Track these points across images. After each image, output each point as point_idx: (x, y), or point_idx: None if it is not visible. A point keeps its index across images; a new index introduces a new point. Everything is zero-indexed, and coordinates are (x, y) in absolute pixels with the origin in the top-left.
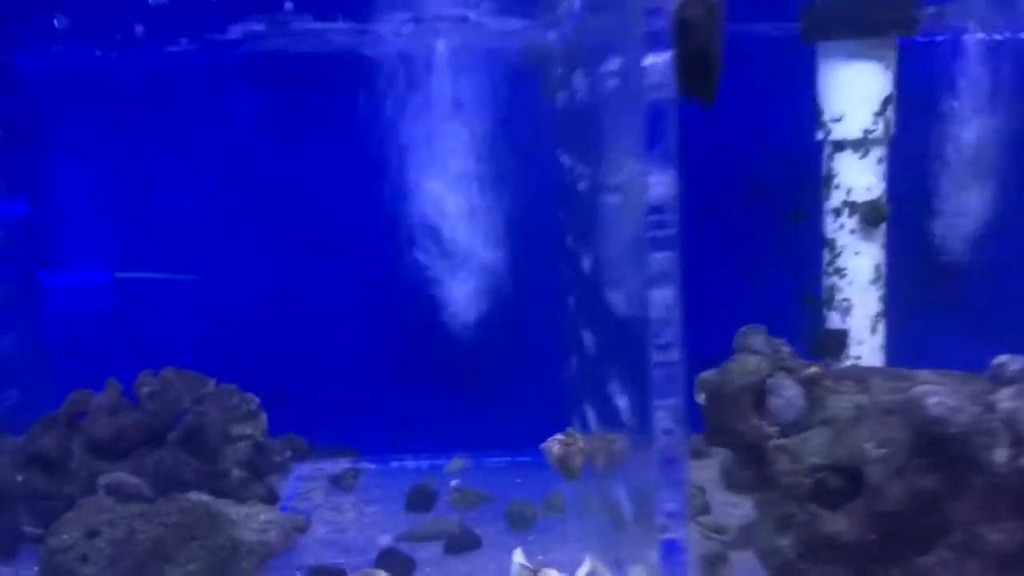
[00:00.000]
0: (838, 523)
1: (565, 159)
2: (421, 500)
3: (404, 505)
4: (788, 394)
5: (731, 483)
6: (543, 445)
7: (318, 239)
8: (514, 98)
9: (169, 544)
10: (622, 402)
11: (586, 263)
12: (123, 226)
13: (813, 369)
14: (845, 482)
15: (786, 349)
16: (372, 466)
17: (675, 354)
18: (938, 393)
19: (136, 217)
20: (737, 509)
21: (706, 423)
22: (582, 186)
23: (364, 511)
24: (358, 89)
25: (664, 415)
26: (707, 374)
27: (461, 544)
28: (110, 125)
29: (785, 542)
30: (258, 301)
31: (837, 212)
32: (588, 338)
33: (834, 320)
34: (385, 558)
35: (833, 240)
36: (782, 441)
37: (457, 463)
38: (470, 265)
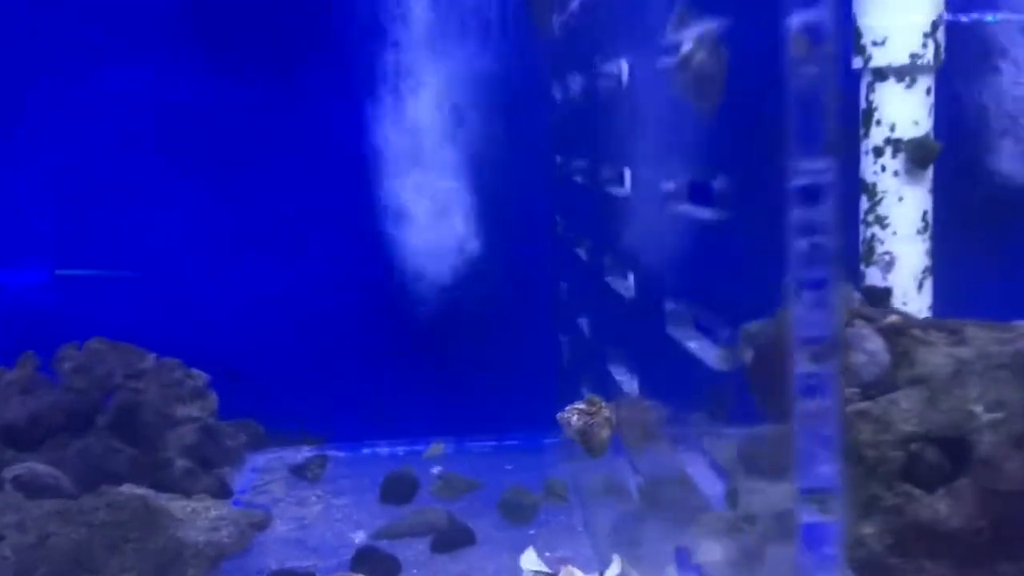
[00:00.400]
0: (938, 507)
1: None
2: (399, 490)
3: (379, 496)
4: (871, 347)
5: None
6: (559, 415)
7: (281, 211)
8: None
9: (95, 549)
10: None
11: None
12: (61, 218)
13: (895, 317)
14: (946, 455)
15: (856, 295)
16: (341, 454)
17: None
18: None
19: (74, 205)
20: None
21: (754, 387)
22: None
23: (333, 504)
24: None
25: None
26: (756, 324)
27: (451, 540)
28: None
29: (869, 531)
30: (213, 279)
31: (878, 152)
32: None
33: (873, 277)
34: (363, 559)
35: (873, 185)
36: (863, 405)
37: (437, 448)
38: (452, 233)
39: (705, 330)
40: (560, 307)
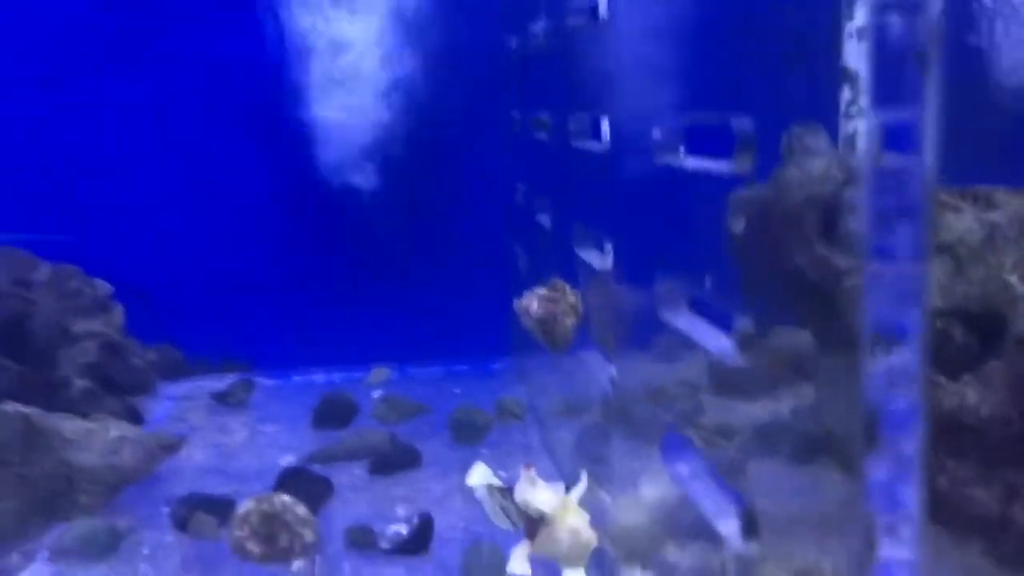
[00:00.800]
0: (964, 394)
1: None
2: (335, 414)
3: (312, 421)
4: None
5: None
6: (517, 302)
7: (201, 120)
8: None
9: None
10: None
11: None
12: None
13: None
14: (975, 334)
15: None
16: (270, 382)
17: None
18: None
19: None
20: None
21: (742, 261)
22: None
23: (259, 431)
24: None
25: None
26: (748, 190)
27: (393, 462)
28: None
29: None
30: (126, 191)
31: (863, 34)
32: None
33: None
34: (289, 479)
35: (856, 72)
36: None
37: (380, 373)
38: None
39: None
40: (513, 212)
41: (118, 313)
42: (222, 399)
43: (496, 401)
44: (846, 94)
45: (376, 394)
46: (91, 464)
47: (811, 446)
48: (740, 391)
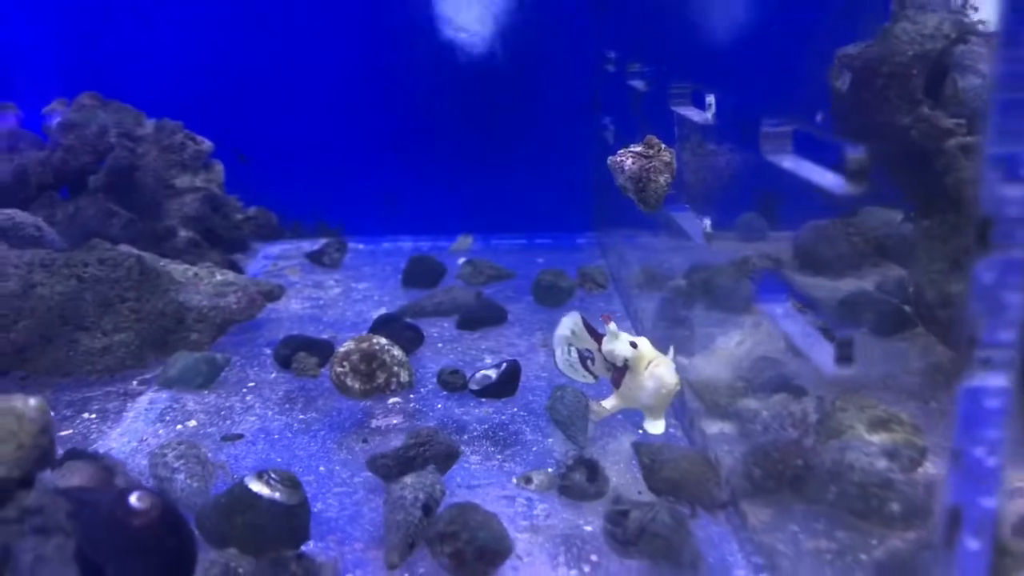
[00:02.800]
0: None
1: None
2: (424, 274)
3: (402, 281)
4: (987, 69)
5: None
6: (611, 159)
7: None
8: None
9: (85, 305)
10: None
11: None
12: None
13: None
14: None
15: (975, 15)
16: (360, 246)
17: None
18: None
19: None
20: (824, 282)
21: (844, 121)
22: None
23: (352, 287)
24: None
25: None
26: (855, 46)
27: (479, 318)
28: None
29: (961, 286)
30: (219, 58)
31: None
32: None
33: None
34: (384, 325)
35: None
36: (972, 138)
37: (464, 241)
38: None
39: None
40: (602, 82)
41: (219, 170)
42: (316, 258)
43: (579, 269)
44: None
45: (461, 260)
46: (199, 304)
47: (893, 319)
48: (826, 268)
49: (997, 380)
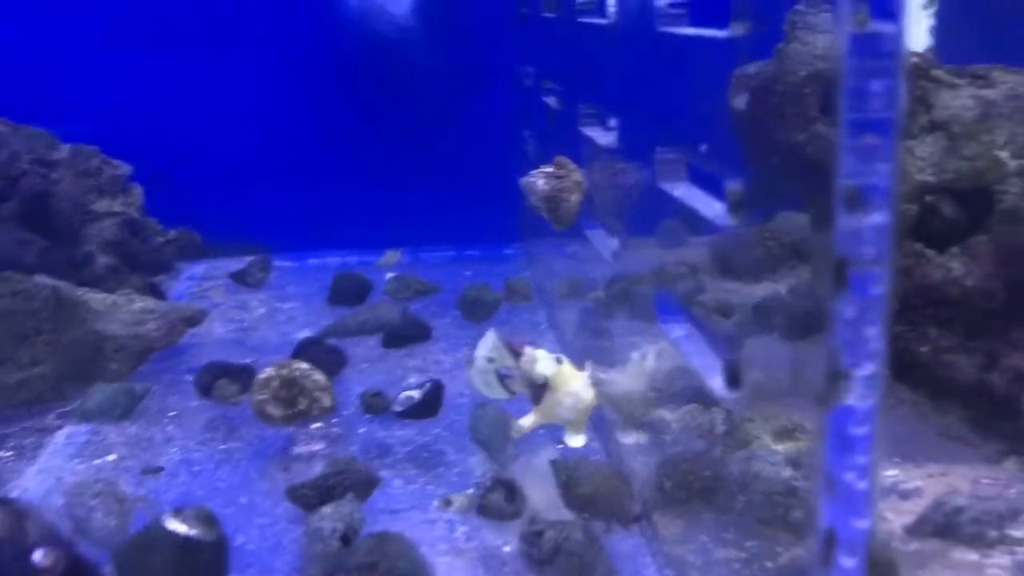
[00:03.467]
0: (951, 267)
1: None
2: (348, 291)
3: (327, 299)
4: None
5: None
6: (523, 179)
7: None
8: None
9: (2, 339)
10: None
11: None
12: None
13: (915, 57)
14: (964, 209)
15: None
16: (286, 264)
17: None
18: None
19: None
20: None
21: (742, 139)
22: None
23: (277, 308)
24: None
25: None
26: (750, 66)
27: (404, 335)
28: None
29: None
30: (139, 73)
31: None
32: None
33: None
34: (306, 350)
35: None
36: None
37: (392, 256)
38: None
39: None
40: (522, 96)
41: (138, 193)
42: (240, 278)
43: (505, 282)
44: None
45: (389, 275)
46: (118, 333)
47: (804, 323)
48: (743, 273)
49: (863, 407)
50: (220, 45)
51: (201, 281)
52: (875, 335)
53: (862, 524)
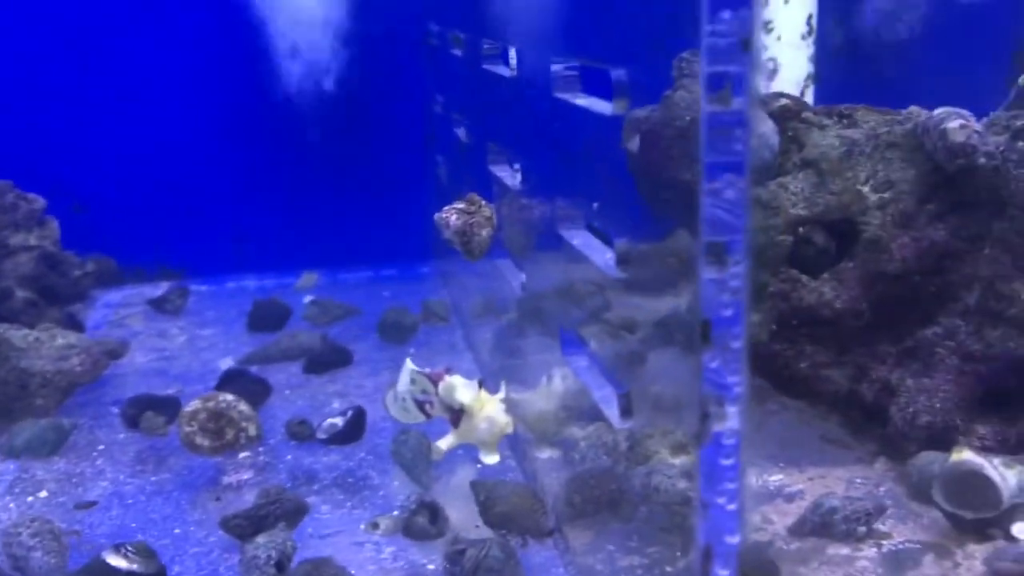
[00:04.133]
0: (823, 291)
1: None
2: (268, 317)
3: (247, 325)
4: (762, 129)
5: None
6: (437, 216)
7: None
8: None
9: None
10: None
11: None
12: None
13: (786, 100)
14: (833, 239)
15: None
16: (203, 288)
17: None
18: (961, 116)
19: None
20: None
21: (637, 175)
22: None
23: (197, 335)
24: None
25: None
26: (641, 110)
27: (326, 361)
28: None
29: (754, 318)
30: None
31: None
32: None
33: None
34: (230, 381)
35: None
36: (753, 191)
37: (309, 278)
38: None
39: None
40: (433, 123)
41: (53, 227)
42: (159, 305)
43: (423, 303)
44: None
45: (307, 298)
46: (42, 369)
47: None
48: (646, 288)
49: (729, 443)
50: (133, 72)
51: (118, 308)
52: (737, 382)
53: (733, 540)
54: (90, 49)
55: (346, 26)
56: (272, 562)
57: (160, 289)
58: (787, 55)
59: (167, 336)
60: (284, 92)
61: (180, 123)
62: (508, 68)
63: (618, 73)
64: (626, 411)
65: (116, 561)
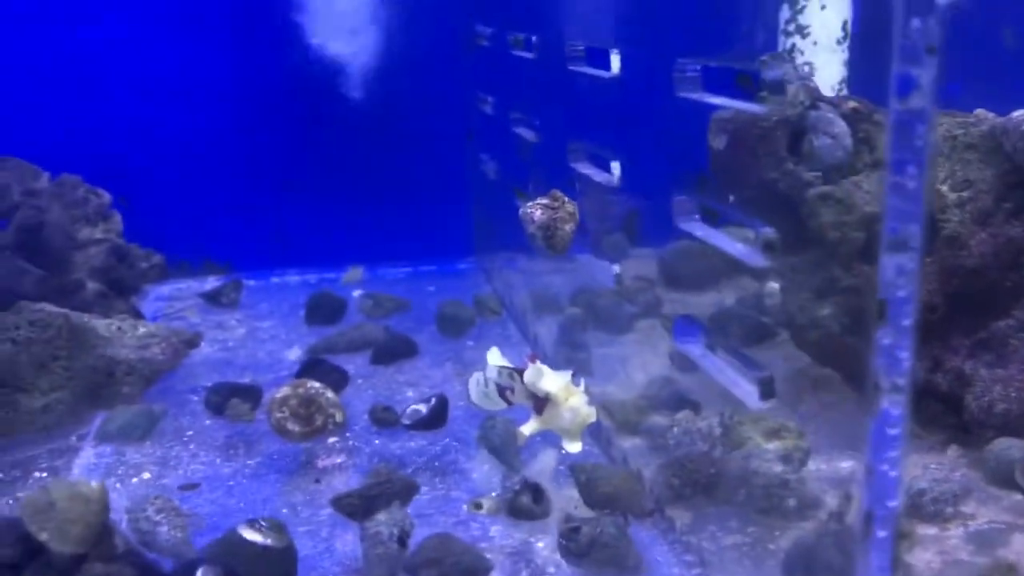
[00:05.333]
0: None
1: None
2: (325, 310)
3: (305, 317)
4: (836, 130)
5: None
6: (521, 211)
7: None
8: None
9: (21, 367)
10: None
11: None
12: None
13: (856, 102)
14: None
15: (813, 83)
16: (250, 283)
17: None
18: None
19: None
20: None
21: (720, 175)
22: None
23: (256, 326)
24: None
25: None
26: (727, 111)
27: (392, 352)
28: None
29: (826, 311)
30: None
31: None
32: None
33: None
34: (309, 369)
35: None
36: (827, 188)
37: (355, 273)
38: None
39: None
40: (478, 121)
41: (117, 220)
42: (213, 299)
43: (475, 297)
44: (785, 13)
45: (356, 292)
46: (127, 358)
47: (758, 331)
48: (688, 284)
49: (896, 413)
50: (179, 70)
51: (171, 302)
52: (906, 357)
53: (894, 504)
54: (141, 47)
55: (387, 25)
56: (395, 537)
57: (206, 283)
58: (822, 59)
59: (226, 328)
60: (326, 90)
61: (225, 120)
62: (606, 70)
63: (773, 73)
64: (767, 392)
65: (252, 535)
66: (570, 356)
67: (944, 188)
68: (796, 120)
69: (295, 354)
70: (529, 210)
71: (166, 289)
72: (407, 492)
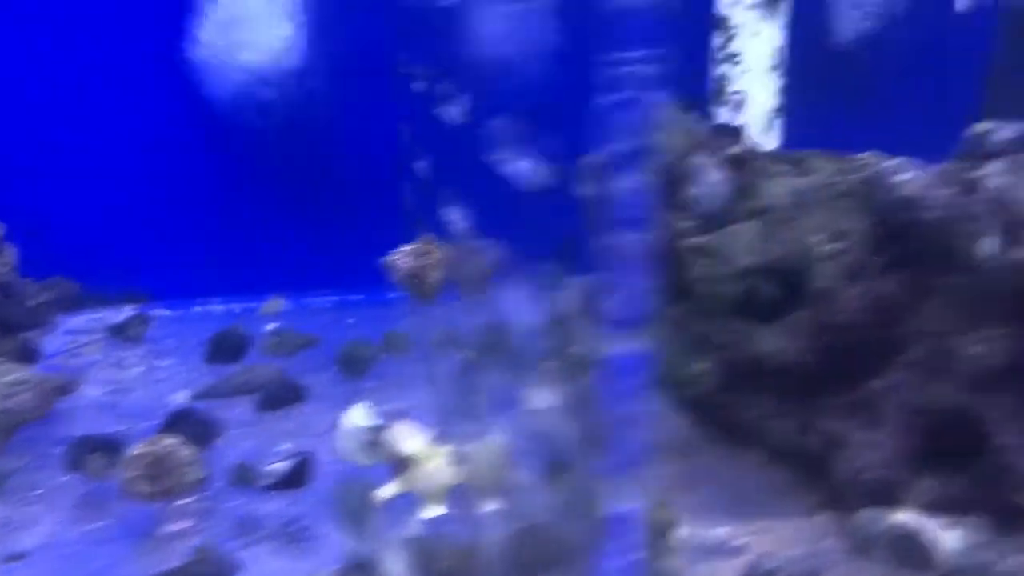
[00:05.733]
0: (772, 340)
1: None
2: (227, 348)
3: (206, 356)
4: (713, 179)
5: None
6: (387, 258)
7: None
8: None
9: None
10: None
11: None
12: None
13: (738, 148)
14: (783, 289)
15: (701, 125)
16: (169, 313)
17: None
18: (909, 169)
19: None
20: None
21: (595, 222)
22: None
23: (155, 365)
24: None
25: None
26: (599, 154)
27: (278, 398)
28: None
29: (702, 367)
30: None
31: None
32: None
33: (724, 117)
34: (177, 421)
35: (726, 19)
36: (702, 240)
37: (274, 304)
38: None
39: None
40: (403, 149)
41: (11, 253)
42: (119, 332)
43: (384, 335)
44: (716, 40)
45: (270, 326)
46: None
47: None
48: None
49: None
50: (94, 92)
51: (78, 335)
52: None
53: None
54: (48, 68)
55: (314, 50)
56: None
57: (123, 313)
58: (755, 87)
59: (123, 366)
60: (250, 116)
61: (145, 146)
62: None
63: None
64: None
65: None
66: (461, 403)
67: (816, 239)
68: (672, 168)
69: (182, 397)
70: (395, 258)
71: (81, 320)
72: (225, 573)
